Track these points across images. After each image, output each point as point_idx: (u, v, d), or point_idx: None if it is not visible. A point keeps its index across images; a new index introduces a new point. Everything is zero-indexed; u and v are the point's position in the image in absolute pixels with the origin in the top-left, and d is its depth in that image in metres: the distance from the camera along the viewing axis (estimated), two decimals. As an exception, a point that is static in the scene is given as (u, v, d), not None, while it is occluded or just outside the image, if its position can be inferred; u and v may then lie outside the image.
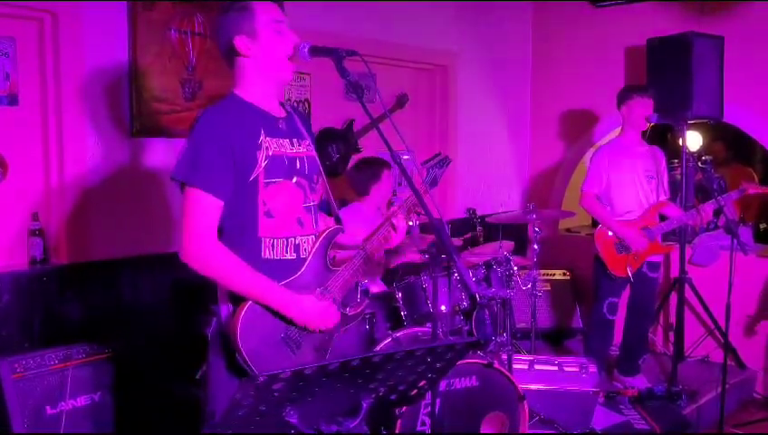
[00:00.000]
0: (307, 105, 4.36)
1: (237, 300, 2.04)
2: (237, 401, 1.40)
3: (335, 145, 4.40)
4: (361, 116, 4.10)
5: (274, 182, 2.07)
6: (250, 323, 2.00)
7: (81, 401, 2.99)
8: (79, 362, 3.01)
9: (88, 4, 3.32)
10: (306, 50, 2.09)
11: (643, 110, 4.09)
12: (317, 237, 2.17)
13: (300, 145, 2.17)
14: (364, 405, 1.64)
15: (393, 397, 1.71)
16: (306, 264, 2.12)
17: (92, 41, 3.35)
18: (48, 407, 2.89)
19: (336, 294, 2.16)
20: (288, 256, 2.11)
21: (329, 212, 2.36)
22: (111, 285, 3.43)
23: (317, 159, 2.24)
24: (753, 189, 4.00)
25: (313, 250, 2.15)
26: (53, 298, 3.26)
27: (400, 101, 4.88)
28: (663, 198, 4.23)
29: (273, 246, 2.09)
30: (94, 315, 3.36)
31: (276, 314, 2.04)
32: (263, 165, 2.04)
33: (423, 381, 1.70)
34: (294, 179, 2.13)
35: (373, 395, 1.64)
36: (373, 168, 3.88)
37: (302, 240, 2.14)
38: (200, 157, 1.97)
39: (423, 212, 1.98)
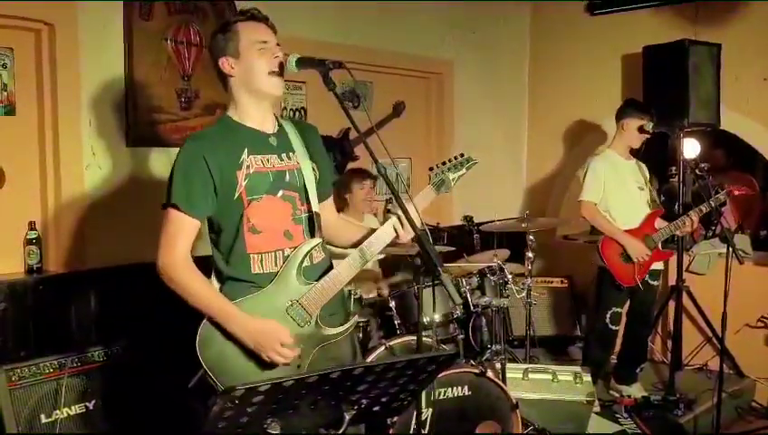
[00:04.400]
0: (303, 113, 4.38)
1: None
2: (216, 414, 1.41)
3: (331, 153, 4.41)
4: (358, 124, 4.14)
5: (258, 199, 2.12)
6: (210, 334, 2.07)
7: (76, 409, 2.99)
8: (74, 370, 3.02)
9: (85, 14, 3.34)
10: (294, 62, 2.13)
11: (641, 131, 4.14)
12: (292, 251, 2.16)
13: (290, 159, 2.21)
14: (347, 417, 1.64)
15: (376, 408, 1.72)
16: (274, 280, 2.13)
17: (89, 51, 3.38)
18: (43, 415, 2.90)
19: (310, 307, 2.15)
20: (277, 269, 2.15)
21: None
22: (108, 294, 3.44)
23: (314, 169, 2.25)
24: (738, 190, 4.08)
25: (284, 265, 2.14)
26: (50, 306, 3.28)
27: (397, 110, 4.88)
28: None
29: (261, 260, 2.14)
30: (90, 324, 3.38)
31: None
32: (243, 183, 2.10)
33: (405, 393, 1.71)
34: (280, 193, 2.16)
35: (356, 407, 1.65)
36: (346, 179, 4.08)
37: (291, 252, 2.16)
38: (175, 179, 2.08)
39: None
